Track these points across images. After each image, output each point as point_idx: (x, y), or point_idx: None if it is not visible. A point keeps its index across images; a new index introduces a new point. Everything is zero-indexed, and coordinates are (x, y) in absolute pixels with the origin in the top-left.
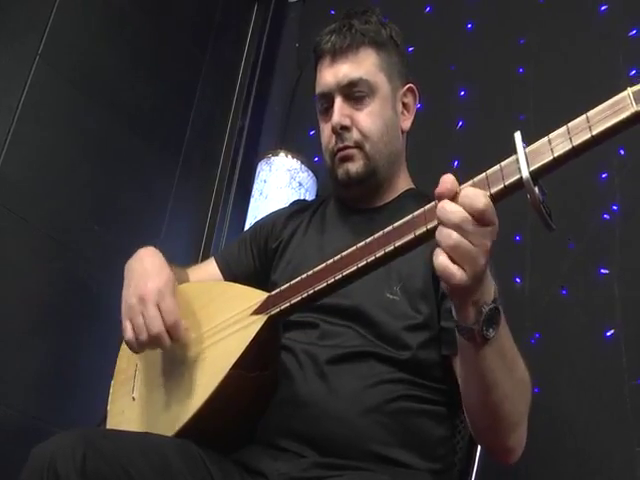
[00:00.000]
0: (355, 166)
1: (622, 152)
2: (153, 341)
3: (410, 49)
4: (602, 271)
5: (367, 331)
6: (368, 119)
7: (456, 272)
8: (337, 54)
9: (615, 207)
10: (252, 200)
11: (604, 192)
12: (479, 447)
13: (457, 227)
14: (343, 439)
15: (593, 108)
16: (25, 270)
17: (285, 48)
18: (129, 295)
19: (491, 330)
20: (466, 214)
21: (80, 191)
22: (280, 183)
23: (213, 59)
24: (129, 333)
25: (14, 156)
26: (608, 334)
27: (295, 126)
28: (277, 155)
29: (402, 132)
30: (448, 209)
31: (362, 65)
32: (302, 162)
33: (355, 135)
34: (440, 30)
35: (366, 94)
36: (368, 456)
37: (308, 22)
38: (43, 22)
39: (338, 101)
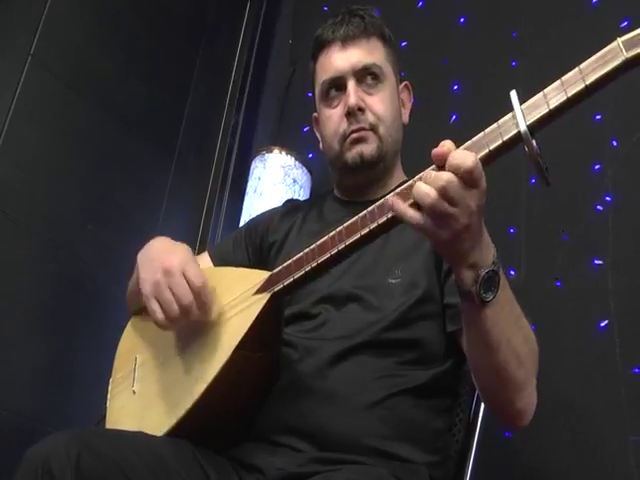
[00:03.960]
0: (369, 148)
1: (615, 143)
2: (184, 312)
3: (403, 44)
4: (596, 262)
5: (367, 314)
6: (380, 103)
7: (430, 227)
8: (349, 40)
9: (608, 198)
10: (246, 197)
11: (597, 183)
12: (475, 439)
13: (441, 189)
14: (341, 433)
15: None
16: (20, 271)
17: (278, 45)
18: (152, 273)
19: (489, 293)
20: (452, 176)
21: (75, 191)
22: (274, 180)
23: (206, 56)
24: (158, 313)
25: (7, 157)
26: (602, 324)
27: (289, 123)
28: (271, 152)
29: (402, 125)
30: (434, 173)
31: (374, 52)
32: (296, 159)
33: (370, 117)
34: (433, 24)
35: (378, 80)
36: (365, 450)
37: (301, 19)
38: (35, 21)
39: (352, 84)
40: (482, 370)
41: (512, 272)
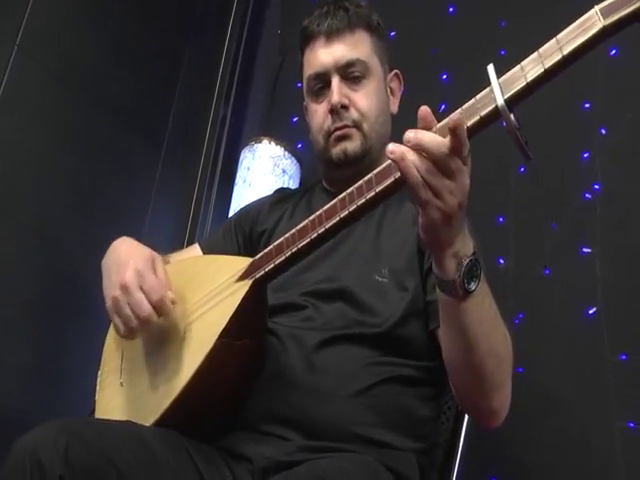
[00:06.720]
0: (352, 145)
1: (603, 131)
2: (144, 324)
3: (392, 34)
4: (584, 250)
5: (355, 313)
6: (365, 99)
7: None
8: (333, 35)
9: (597, 186)
10: (236, 188)
11: (586, 172)
12: (464, 427)
13: (444, 156)
14: (328, 422)
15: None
16: (8, 264)
17: (267, 35)
18: (111, 288)
19: (472, 283)
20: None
21: (62, 184)
22: (263, 170)
23: (195, 47)
24: (121, 328)
25: None
26: (590, 312)
27: (278, 113)
28: (260, 142)
29: (391, 115)
30: (438, 138)
31: (358, 46)
32: (285, 149)
33: (353, 114)
34: (422, 14)
35: (363, 75)
36: (353, 438)
37: (290, 8)
38: (21, 11)
39: (336, 81)
40: (459, 367)
41: (501, 260)
